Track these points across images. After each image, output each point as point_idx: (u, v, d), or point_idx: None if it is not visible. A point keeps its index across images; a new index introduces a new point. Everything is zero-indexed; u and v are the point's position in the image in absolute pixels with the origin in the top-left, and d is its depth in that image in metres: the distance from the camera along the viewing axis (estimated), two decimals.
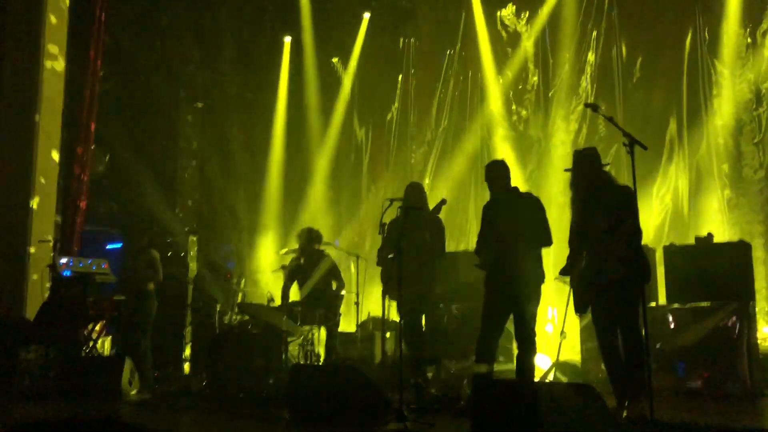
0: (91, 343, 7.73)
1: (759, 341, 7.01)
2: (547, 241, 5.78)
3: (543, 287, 5.87)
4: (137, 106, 11.08)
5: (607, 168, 5.43)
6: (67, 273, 7.86)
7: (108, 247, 10.74)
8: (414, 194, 6.68)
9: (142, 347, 7.70)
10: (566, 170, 5.48)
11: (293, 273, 8.08)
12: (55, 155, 9.43)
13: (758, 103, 9.46)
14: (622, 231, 4.89)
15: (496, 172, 5.93)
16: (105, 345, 8.59)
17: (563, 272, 5.48)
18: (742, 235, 8.84)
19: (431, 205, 6.67)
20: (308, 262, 8.03)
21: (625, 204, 4.82)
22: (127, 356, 7.09)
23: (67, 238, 9.37)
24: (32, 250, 8.89)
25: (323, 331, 7.77)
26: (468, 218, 11.49)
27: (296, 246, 8.23)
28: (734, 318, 6.43)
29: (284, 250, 8.86)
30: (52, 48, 9.49)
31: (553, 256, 8.23)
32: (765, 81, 9.45)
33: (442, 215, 6.68)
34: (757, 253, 8.58)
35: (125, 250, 10.11)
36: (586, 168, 5.28)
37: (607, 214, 5.03)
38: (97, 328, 7.99)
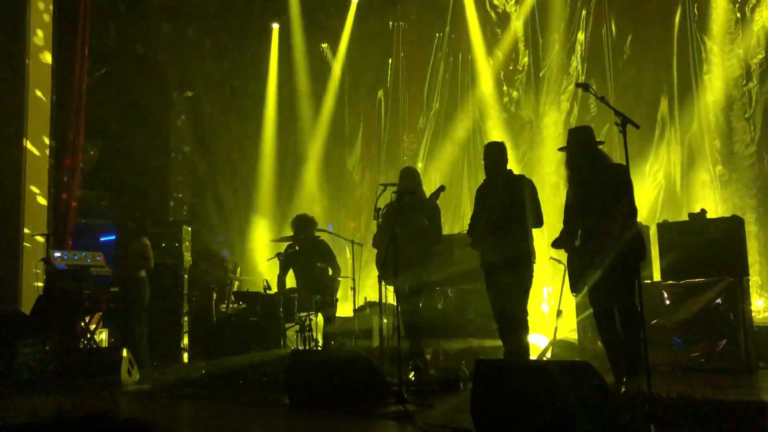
0: (88, 335, 7.72)
1: (753, 314, 7.08)
2: (537, 223, 5.83)
3: (538, 267, 5.93)
4: (127, 97, 11.00)
5: (601, 146, 5.44)
6: (61, 266, 7.84)
7: (102, 239, 10.69)
8: (408, 178, 6.68)
9: (137, 334, 7.70)
10: (560, 149, 5.49)
11: (288, 261, 8.07)
12: (46, 147, 9.38)
13: (748, 78, 9.47)
14: (618, 210, 4.90)
15: (490, 154, 5.98)
16: (103, 337, 8.58)
17: (555, 243, 5.50)
18: (734, 210, 8.88)
19: (428, 192, 6.68)
20: (303, 249, 8.03)
21: (620, 182, 4.83)
22: (125, 346, 7.09)
23: (61, 232, 9.32)
24: (26, 244, 8.86)
25: (321, 317, 7.79)
26: (462, 201, 11.50)
27: (290, 233, 8.22)
28: (729, 293, 6.48)
29: (278, 238, 8.85)
30: (38, 39, 9.41)
31: (547, 236, 8.26)
32: (755, 56, 9.46)
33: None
34: (750, 228, 8.65)
35: (117, 240, 10.06)
36: (581, 146, 5.29)
37: (603, 192, 5.04)
38: (94, 320, 7.98)
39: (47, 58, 9.49)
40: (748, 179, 9.37)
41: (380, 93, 12.77)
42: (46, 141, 9.43)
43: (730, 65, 9.60)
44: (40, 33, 9.41)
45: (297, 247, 8.05)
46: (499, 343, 6.13)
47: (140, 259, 7.92)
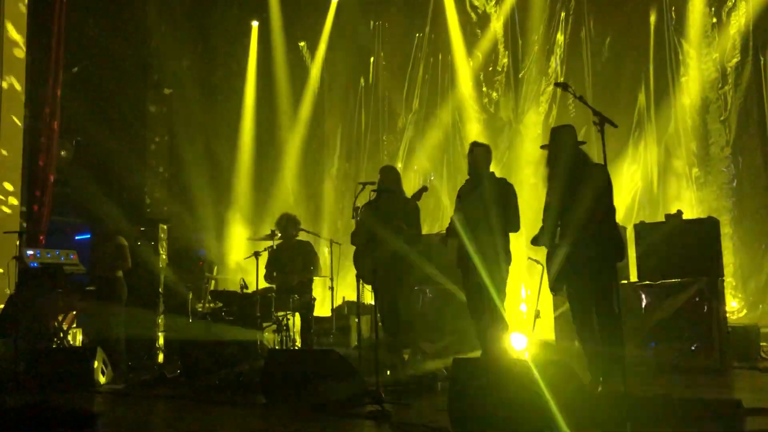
0: (61, 335, 7.60)
1: (727, 315, 7.15)
2: (514, 227, 5.86)
3: (515, 267, 5.95)
4: (103, 94, 10.87)
5: (583, 146, 5.46)
6: (34, 264, 7.71)
7: (76, 237, 10.56)
8: (388, 177, 6.68)
9: (113, 336, 7.58)
10: (542, 147, 5.50)
11: (273, 259, 8.03)
12: (19, 145, 9.22)
13: (724, 81, 9.59)
14: (597, 210, 4.91)
15: (472, 155, 6.01)
16: (76, 336, 8.45)
17: (534, 241, 5.52)
18: (710, 211, 8.98)
19: (408, 191, 6.68)
20: (286, 248, 7.98)
21: (599, 183, 4.85)
22: (99, 346, 6.98)
23: (34, 230, 9.18)
24: None
25: (298, 317, 7.74)
26: (441, 201, 11.50)
27: (268, 232, 8.17)
28: (704, 294, 6.54)
29: (257, 236, 8.78)
30: (13, 34, 9.26)
31: (525, 238, 8.29)
32: (730, 59, 9.57)
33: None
34: (725, 229, 8.74)
35: (93, 238, 9.94)
36: (562, 145, 5.30)
37: (582, 193, 5.05)
38: (68, 319, 7.86)
39: (21, 53, 9.34)
40: (723, 181, 9.48)
41: (360, 93, 12.74)
42: (20, 138, 9.28)
43: (707, 68, 9.71)
44: (13, 27, 9.26)
45: (275, 246, 8.00)
46: (476, 342, 6.14)
47: (116, 259, 7.79)
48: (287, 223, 8.00)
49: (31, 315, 7.36)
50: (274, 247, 7.99)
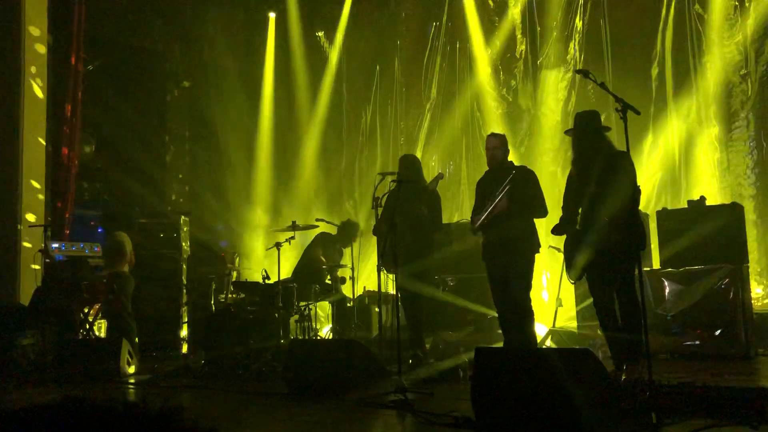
0: (87, 326, 7.70)
1: (752, 302, 7.08)
2: (540, 213, 5.83)
3: (537, 255, 5.93)
4: (124, 87, 10.95)
5: (608, 133, 5.41)
6: (59, 257, 7.81)
7: (100, 230, 10.66)
8: (408, 167, 6.67)
9: (123, 329, 7.64)
10: (567, 132, 5.49)
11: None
12: (42, 139, 9.32)
13: (746, 65, 9.43)
14: (621, 198, 4.88)
15: (491, 145, 5.99)
16: (102, 328, 8.56)
17: (555, 230, 5.49)
18: (733, 197, 8.86)
19: (427, 179, 6.69)
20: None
21: (622, 170, 4.81)
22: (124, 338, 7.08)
23: (58, 223, 9.30)
24: (23, 235, 8.83)
25: (321, 305, 7.86)
26: (460, 190, 11.47)
27: (289, 223, 8.23)
28: (728, 280, 6.48)
29: (279, 227, 8.88)
30: (34, 30, 9.34)
31: (545, 225, 8.26)
32: (753, 43, 9.41)
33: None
34: (749, 215, 8.62)
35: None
36: (586, 131, 5.27)
37: (604, 179, 5.02)
38: (93, 311, 7.96)
39: (42, 48, 9.43)
40: (746, 166, 9.34)
41: (377, 82, 12.71)
42: (43, 132, 9.38)
43: (729, 52, 9.55)
44: (35, 23, 9.34)
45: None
46: (499, 331, 6.14)
47: (115, 255, 7.88)
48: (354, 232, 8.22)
49: (57, 307, 7.46)
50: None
